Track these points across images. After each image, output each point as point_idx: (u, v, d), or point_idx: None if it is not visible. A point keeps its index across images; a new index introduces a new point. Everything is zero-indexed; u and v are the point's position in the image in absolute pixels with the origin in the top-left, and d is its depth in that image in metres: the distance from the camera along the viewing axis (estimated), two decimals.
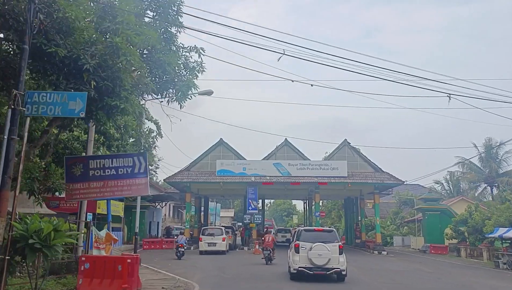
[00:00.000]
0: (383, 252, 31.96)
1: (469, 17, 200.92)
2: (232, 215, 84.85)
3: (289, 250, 16.39)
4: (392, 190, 40.04)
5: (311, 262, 14.00)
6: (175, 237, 36.30)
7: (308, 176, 33.20)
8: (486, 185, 52.34)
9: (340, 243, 14.71)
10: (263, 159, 34.69)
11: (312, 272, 13.97)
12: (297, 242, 14.72)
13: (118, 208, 30.23)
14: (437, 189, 53.62)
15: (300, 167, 33.55)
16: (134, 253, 19.08)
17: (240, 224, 56.20)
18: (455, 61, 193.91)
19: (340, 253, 14.23)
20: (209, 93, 19.64)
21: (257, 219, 33.29)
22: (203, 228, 28.46)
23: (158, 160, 61.99)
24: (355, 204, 42.41)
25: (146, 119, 26.13)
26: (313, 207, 38.32)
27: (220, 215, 73.65)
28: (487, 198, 50.69)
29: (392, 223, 53.30)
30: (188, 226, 33.75)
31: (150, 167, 60.31)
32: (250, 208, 33.22)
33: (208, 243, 26.63)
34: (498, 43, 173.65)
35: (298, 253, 14.33)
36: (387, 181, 32.94)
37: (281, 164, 33.67)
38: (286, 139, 34.92)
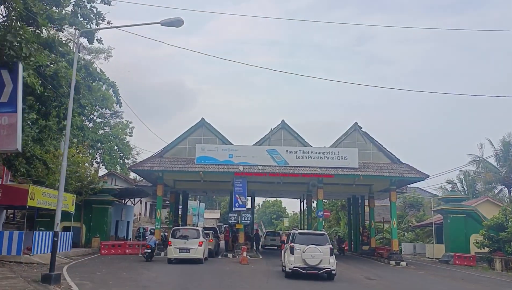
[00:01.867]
0: (401, 263, 25.54)
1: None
2: (218, 217, 78.00)
3: (283, 251, 17.89)
4: (406, 188, 33.72)
5: (304, 262, 15.31)
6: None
7: (310, 167, 26.71)
8: (502, 186, 46.54)
9: (330, 246, 16.08)
10: (254, 144, 28.10)
11: (305, 272, 15.26)
12: (292, 244, 15.89)
13: (66, 202, 23.37)
14: (448, 190, 47.50)
15: (300, 155, 27.04)
16: None
17: (225, 226, 49.34)
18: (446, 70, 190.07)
19: (331, 255, 15.60)
20: (177, 24, 13.05)
21: (246, 218, 26.68)
22: (173, 228, 21.76)
23: (132, 148, 55.25)
24: (361, 204, 36.00)
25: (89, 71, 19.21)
26: (313, 205, 31.82)
27: (204, 217, 66.78)
28: (505, 201, 44.86)
29: (397, 228, 46.98)
30: (159, 226, 26.99)
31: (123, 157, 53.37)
32: (236, 205, 26.60)
33: (179, 248, 19.97)
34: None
35: (293, 254, 15.59)
36: (407, 174, 26.57)
37: (276, 151, 27.13)
38: (283, 121, 28.37)
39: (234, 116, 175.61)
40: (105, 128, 53.73)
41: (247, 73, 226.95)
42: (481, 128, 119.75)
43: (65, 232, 24.19)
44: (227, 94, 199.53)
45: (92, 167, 31.29)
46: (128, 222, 38.95)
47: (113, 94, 23.14)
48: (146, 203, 52.36)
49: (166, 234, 31.71)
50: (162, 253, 25.37)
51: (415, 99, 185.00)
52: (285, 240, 19.88)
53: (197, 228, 21.83)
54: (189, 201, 49.57)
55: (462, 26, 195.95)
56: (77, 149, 31.26)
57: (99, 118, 53.03)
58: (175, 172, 26.67)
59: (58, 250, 22.99)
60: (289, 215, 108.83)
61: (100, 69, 20.03)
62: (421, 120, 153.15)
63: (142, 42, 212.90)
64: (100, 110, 52.59)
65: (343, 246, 33.41)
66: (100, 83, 21.22)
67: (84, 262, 20.43)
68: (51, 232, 22.42)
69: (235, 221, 26.58)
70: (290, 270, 15.44)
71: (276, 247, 43.60)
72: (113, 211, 32.53)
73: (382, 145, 27.81)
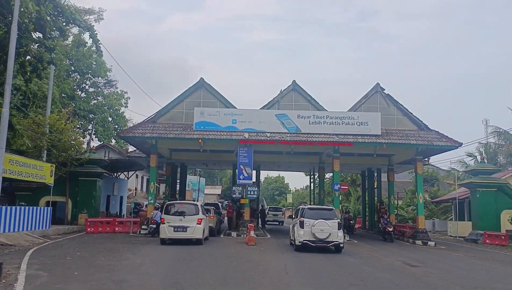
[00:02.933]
0: (429, 243, 22.33)
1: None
2: (219, 193, 75.05)
3: (291, 226, 18.41)
4: (429, 160, 30.21)
5: (314, 236, 15.82)
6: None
7: (325, 134, 23.22)
8: None
9: (338, 220, 16.71)
10: (262, 109, 24.56)
11: (315, 245, 15.76)
12: (302, 218, 16.34)
13: (42, 172, 19.98)
14: (468, 164, 44.19)
15: (313, 120, 23.50)
16: None
17: (227, 202, 46.13)
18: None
19: (339, 229, 16.08)
20: None
21: (252, 192, 23.30)
22: (166, 203, 18.36)
23: (128, 120, 51.67)
24: (377, 177, 32.64)
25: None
26: (325, 178, 28.47)
27: (205, 192, 63.78)
28: None
29: (411, 203, 44.08)
30: (152, 201, 23.66)
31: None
32: (241, 177, 23.19)
33: (174, 226, 16.65)
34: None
35: (303, 228, 16.03)
36: (437, 142, 23.07)
37: (287, 115, 23.58)
38: (294, 82, 24.70)
39: (237, 93, 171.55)
40: (98, 98, 50.20)
41: (250, 50, 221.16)
42: (495, 101, 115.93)
43: (43, 208, 20.87)
44: (230, 71, 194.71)
45: (76, 134, 27.73)
46: (122, 197, 35.74)
47: (91, 39, 19.30)
48: (142, 177, 49.13)
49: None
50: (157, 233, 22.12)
51: (419, 77, 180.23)
52: (293, 216, 20.35)
53: (195, 203, 18.50)
54: (188, 175, 46.33)
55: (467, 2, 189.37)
56: (59, 115, 27.73)
57: (92, 87, 49.51)
58: (170, 140, 23.18)
59: (34, 228, 19.82)
60: (292, 191, 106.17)
61: (75, 8, 16.37)
62: (431, 93, 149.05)
63: (143, 17, 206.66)
64: (92, 78, 49.18)
65: (351, 222, 29.92)
66: (79, 29, 17.41)
67: (61, 242, 17.17)
68: (27, 207, 19.19)
69: (240, 196, 23.23)
70: (300, 243, 15.99)
71: (278, 223, 41.25)
72: (103, 185, 29.24)
73: (407, 110, 24.24)
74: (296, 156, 27.55)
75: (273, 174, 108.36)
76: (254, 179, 25.40)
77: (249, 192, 23.09)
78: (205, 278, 9.50)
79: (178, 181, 33.88)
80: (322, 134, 23.16)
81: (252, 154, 23.40)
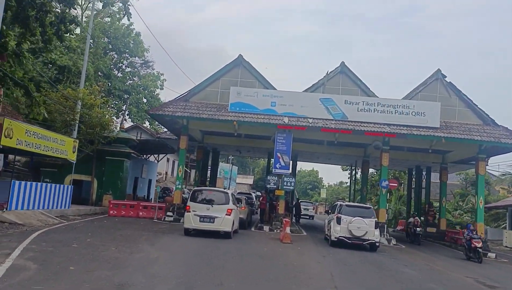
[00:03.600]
0: (489, 254, 19.45)
1: None
2: (251, 183, 73.12)
3: (327, 221, 18.76)
4: (488, 160, 26.95)
5: (350, 233, 15.81)
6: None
7: (375, 123, 20.63)
8: None
9: (376, 219, 16.56)
10: (305, 91, 22.19)
11: (350, 242, 15.73)
12: (339, 215, 16.37)
13: (63, 147, 18.40)
14: None
15: (363, 107, 20.93)
16: None
17: (259, 193, 43.92)
18: None
19: (376, 228, 16.03)
20: None
21: (288, 183, 21.00)
22: (194, 189, 16.28)
23: (163, 102, 50.51)
24: (426, 177, 29.67)
25: None
26: (370, 174, 25.83)
27: (237, 181, 61.98)
28: None
29: (458, 207, 40.78)
30: (180, 186, 21.81)
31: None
32: (278, 166, 20.93)
33: (200, 216, 14.60)
34: None
35: (340, 224, 16.08)
36: (505, 140, 20.03)
37: (332, 100, 21.11)
38: (342, 63, 22.14)
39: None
40: (134, 78, 49.18)
41: (289, 43, 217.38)
42: None
43: (63, 186, 19.38)
44: (268, 62, 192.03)
45: (106, 111, 26.24)
46: (150, 181, 34.25)
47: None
48: (173, 161, 47.69)
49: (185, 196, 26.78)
50: (182, 219, 20.31)
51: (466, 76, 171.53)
52: (329, 211, 20.43)
53: (225, 190, 16.39)
54: (220, 163, 44.54)
55: None
56: (89, 89, 26.30)
57: (128, 67, 48.50)
58: (202, 120, 21.16)
59: (52, 207, 18.33)
60: (325, 186, 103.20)
61: None
62: None
63: (182, 5, 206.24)
64: (129, 58, 48.08)
65: (417, 229, 22.66)
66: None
67: (76, 225, 15.49)
68: (43, 184, 17.70)
69: (275, 186, 21.00)
70: (336, 239, 16.00)
71: (308, 217, 39.49)
72: (131, 166, 27.71)
73: (471, 101, 21.25)
74: (339, 147, 25.02)
75: (307, 167, 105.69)
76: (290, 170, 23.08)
77: (285, 183, 20.82)
78: (230, 287, 7.36)
79: (209, 167, 32.02)
80: (371, 123, 20.57)
81: (291, 141, 21.10)
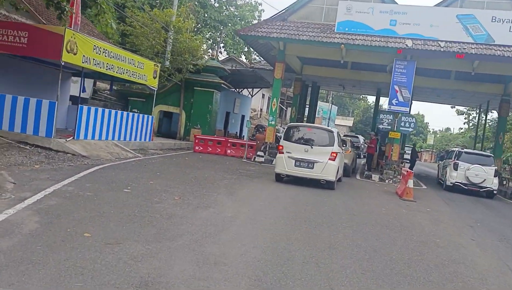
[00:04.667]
0: None
1: None
2: (350, 125, 68.25)
3: (442, 166, 18.95)
4: None
5: (467, 179, 15.70)
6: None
7: None
8: None
9: (496, 167, 16.29)
10: (436, 6, 17.18)
11: (466, 188, 15.67)
12: (457, 161, 16.17)
13: (142, 71, 15.96)
14: None
15: None
16: None
17: (362, 138, 38.94)
18: None
19: (495, 176, 15.73)
20: None
21: (407, 124, 16.71)
22: (289, 125, 12.77)
23: None
24: None
25: None
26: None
27: (335, 123, 57.67)
28: None
29: None
30: (273, 123, 18.66)
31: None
32: (394, 101, 16.63)
33: (296, 159, 11.34)
34: None
35: (457, 170, 15.95)
36: None
37: (474, 17, 15.96)
38: None
39: None
40: (230, 7, 46.09)
41: None
42: None
43: (143, 116, 17.24)
44: None
45: (196, 37, 23.50)
46: (243, 117, 31.73)
47: None
48: (268, 98, 44.72)
49: (278, 134, 23.71)
50: (274, 161, 17.38)
51: None
52: (444, 156, 19.90)
53: (329, 128, 12.70)
54: (318, 101, 40.58)
55: None
56: (177, 12, 23.66)
57: None
58: (302, 43, 17.37)
59: (129, 139, 16.37)
60: (431, 132, 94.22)
61: None
62: None
63: None
64: None
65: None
66: None
67: (148, 161, 13.17)
68: (118, 112, 15.63)
69: (389, 127, 16.88)
70: (451, 184, 15.98)
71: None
72: (222, 99, 25.14)
73: None
74: (470, 81, 19.76)
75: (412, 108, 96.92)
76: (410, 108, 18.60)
77: (402, 124, 16.60)
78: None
79: (307, 105, 28.38)
80: None
81: (414, 71, 16.57)
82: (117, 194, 7.26)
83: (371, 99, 76.20)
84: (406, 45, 16.04)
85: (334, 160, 11.38)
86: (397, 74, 16.60)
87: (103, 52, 13.42)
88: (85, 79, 18.62)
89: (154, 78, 17.16)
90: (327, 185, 11.51)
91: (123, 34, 25.13)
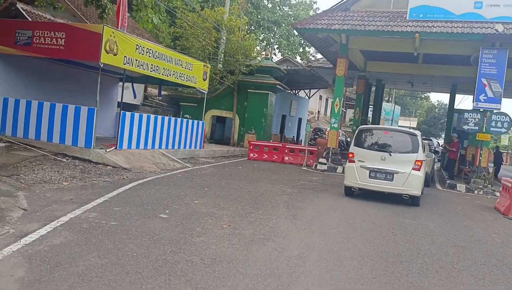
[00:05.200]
0: None
1: None
2: (415, 126, 64.01)
3: None
4: None
5: None
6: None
7: None
8: None
9: None
10: None
11: None
12: None
13: (191, 73, 14.52)
14: None
15: None
16: None
17: (453, 135, 35.58)
18: None
19: None
20: None
21: (500, 124, 14.01)
22: (360, 128, 10.57)
23: None
24: None
25: None
26: None
27: (399, 124, 54.09)
28: None
29: None
30: (335, 126, 16.58)
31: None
32: (482, 97, 14.01)
33: (371, 169, 9.29)
34: None
35: None
36: None
37: None
38: None
39: None
40: (284, 7, 44.56)
41: None
42: None
43: (192, 121, 15.89)
44: None
45: (248, 36, 21.93)
46: (300, 120, 29.84)
47: None
48: (326, 99, 42.51)
49: (348, 139, 21.56)
50: (339, 168, 15.38)
51: None
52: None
53: (412, 131, 10.31)
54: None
55: None
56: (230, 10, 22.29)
57: None
58: (368, 35, 15.22)
59: (179, 147, 15.00)
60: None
61: None
62: None
63: None
64: None
65: None
66: None
67: (197, 172, 11.64)
68: (163, 118, 14.30)
69: (476, 128, 14.30)
70: None
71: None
72: (278, 102, 23.43)
73: None
74: None
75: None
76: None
77: (493, 123, 13.97)
78: None
79: (370, 106, 25.96)
80: None
81: (506, 61, 13.94)
82: (149, 222, 5.67)
83: (435, 98, 71.60)
84: (496, 30, 13.49)
85: (419, 170, 9.23)
86: (484, 65, 14.03)
87: (147, 52, 12.09)
88: (134, 84, 17.71)
89: (204, 80, 15.69)
90: (411, 201, 9.38)
91: (174, 38, 24.22)
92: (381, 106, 26.64)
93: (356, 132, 10.18)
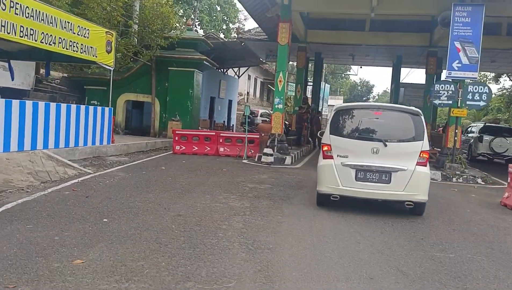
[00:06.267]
0: None
1: None
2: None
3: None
4: None
5: (491, 150, 16.50)
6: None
7: None
8: None
9: None
10: None
11: (492, 157, 16.92)
12: (481, 135, 16.88)
13: (88, 41, 10.50)
14: None
15: None
16: None
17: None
18: None
19: None
20: None
21: (478, 96, 11.75)
22: (338, 107, 7.11)
23: (239, 11, 41.55)
24: None
25: None
26: None
27: (328, 103, 52.66)
28: None
29: None
30: (279, 107, 13.45)
31: None
32: (456, 64, 11.57)
33: (358, 167, 6.25)
34: None
35: (481, 142, 16.73)
36: None
37: None
38: None
39: None
40: None
41: None
42: None
43: (94, 108, 11.89)
44: None
45: (166, 3, 17.94)
46: (231, 102, 26.53)
47: None
48: (255, 79, 39.51)
49: (286, 123, 18.54)
50: (288, 159, 12.40)
51: None
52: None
53: (414, 109, 7.00)
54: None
55: None
56: None
57: None
58: None
59: (76, 144, 11.01)
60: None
61: None
62: None
63: None
64: None
65: None
66: None
67: (102, 181, 7.95)
68: (52, 104, 10.25)
69: (449, 102, 11.87)
70: (477, 155, 16.82)
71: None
72: (205, 81, 19.87)
73: None
74: None
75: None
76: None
77: (470, 96, 11.64)
78: None
79: (309, 81, 23.28)
80: None
81: (482, 19, 11.58)
82: None
83: (354, 77, 71.22)
84: None
85: (425, 165, 6.37)
86: (457, 25, 11.57)
87: (13, 7, 8.01)
88: (14, 62, 13.29)
89: (109, 52, 11.73)
90: (414, 209, 6.52)
91: (73, 5, 19.64)
92: (320, 80, 23.95)
93: (332, 114, 7.01)
